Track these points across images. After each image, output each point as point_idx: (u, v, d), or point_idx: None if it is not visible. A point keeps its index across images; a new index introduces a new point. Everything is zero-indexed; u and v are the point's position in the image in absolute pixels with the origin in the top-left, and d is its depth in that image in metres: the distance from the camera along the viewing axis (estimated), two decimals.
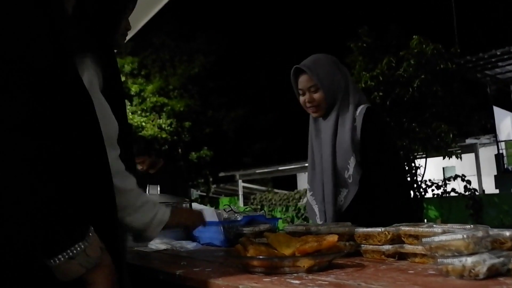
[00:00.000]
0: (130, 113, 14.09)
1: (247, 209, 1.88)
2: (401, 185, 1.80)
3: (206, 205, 10.48)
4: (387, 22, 8.43)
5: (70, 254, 0.75)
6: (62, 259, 0.74)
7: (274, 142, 17.82)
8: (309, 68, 1.83)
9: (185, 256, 1.45)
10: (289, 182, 16.03)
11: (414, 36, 7.20)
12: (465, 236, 0.81)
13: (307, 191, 1.96)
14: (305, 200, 11.39)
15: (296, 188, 14.40)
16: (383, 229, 1.12)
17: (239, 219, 1.72)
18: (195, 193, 16.93)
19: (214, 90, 16.41)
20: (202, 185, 16.07)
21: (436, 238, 0.86)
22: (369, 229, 1.15)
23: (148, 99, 14.98)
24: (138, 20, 3.19)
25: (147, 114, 14.80)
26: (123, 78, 14.58)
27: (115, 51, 1.37)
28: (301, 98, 1.89)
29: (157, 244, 1.72)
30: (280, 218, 1.80)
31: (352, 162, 1.75)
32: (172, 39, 16.36)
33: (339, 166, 1.78)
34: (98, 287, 0.80)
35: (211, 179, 16.06)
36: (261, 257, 0.95)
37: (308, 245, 0.97)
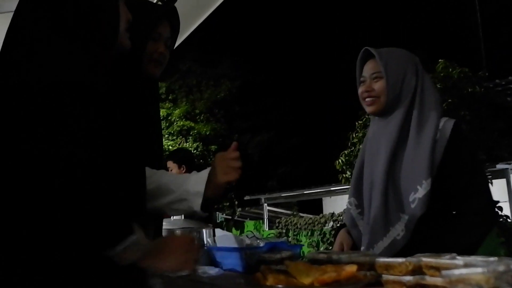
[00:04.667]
0: None
1: (270, 235, 1.87)
2: (489, 221, 1.50)
3: (231, 229, 10.50)
4: (412, 46, 8.43)
5: (125, 245, 0.94)
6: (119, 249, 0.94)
7: (299, 166, 17.77)
8: (379, 53, 1.59)
9: (207, 282, 1.47)
10: (315, 206, 15.87)
11: (439, 60, 7.16)
12: (485, 270, 0.81)
13: (350, 203, 1.71)
14: (330, 224, 11.23)
15: (322, 212, 14.24)
16: (404, 259, 1.11)
17: (261, 245, 1.73)
18: (220, 216, 16.94)
19: (240, 114, 16.60)
20: (228, 208, 16.07)
21: (456, 271, 0.85)
22: (390, 259, 1.14)
23: (175, 123, 15.25)
24: None
25: (174, 137, 15.03)
26: None
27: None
28: (360, 89, 1.64)
29: None
30: (303, 245, 1.77)
31: (426, 185, 1.44)
32: (199, 65, 16.70)
33: (402, 186, 1.50)
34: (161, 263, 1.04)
35: (236, 202, 16.06)
36: (279, 286, 0.96)
37: (326, 275, 0.97)
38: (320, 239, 11.61)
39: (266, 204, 15.89)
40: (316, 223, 11.95)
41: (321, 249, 11.59)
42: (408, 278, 1.09)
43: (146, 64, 1.43)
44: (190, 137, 15.10)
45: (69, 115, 0.91)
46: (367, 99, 1.61)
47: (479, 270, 0.81)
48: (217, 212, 16.49)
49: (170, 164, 3.90)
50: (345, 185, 10.20)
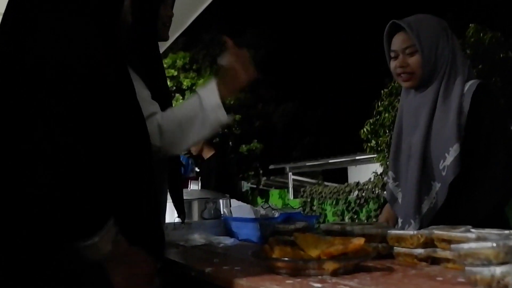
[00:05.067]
0: None
1: (296, 205, 1.84)
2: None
3: (256, 197, 10.56)
4: (442, 11, 8.08)
5: (85, 244, 0.86)
6: (81, 245, 0.86)
7: (323, 135, 17.66)
8: (409, 25, 1.52)
9: (220, 252, 1.48)
10: (340, 175, 15.80)
11: (470, 25, 6.88)
12: (495, 244, 0.77)
13: (388, 177, 1.70)
14: (355, 193, 11.21)
15: (347, 181, 14.18)
16: (415, 232, 1.09)
17: (276, 216, 1.73)
18: (246, 185, 17.12)
19: (264, 83, 16.47)
20: (253, 177, 16.20)
21: (465, 246, 0.82)
22: (402, 232, 1.12)
23: None
24: (188, 15, 3.28)
25: None
26: (175, 73, 15.03)
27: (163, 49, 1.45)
28: (392, 63, 1.58)
29: (196, 239, 1.76)
30: (318, 216, 1.75)
31: (454, 151, 1.43)
32: (223, 34, 16.55)
33: (432, 154, 1.49)
34: (114, 276, 0.91)
35: (261, 172, 16.16)
36: (285, 259, 0.96)
37: (333, 248, 0.96)
38: (345, 208, 11.61)
39: (291, 173, 15.94)
40: (341, 192, 11.92)
41: (346, 218, 11.60)
42: (420, 250, 1.07)
43: (160, 30, 1.46)
44: None
45: (59, 94, 0.87)
46: (402, 75, 1.56)
47: (489, 244, 0.78)
48: (242, 181, 16.68)
49: None
50: (370, 154, 10.12)
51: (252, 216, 1.74)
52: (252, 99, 16.04)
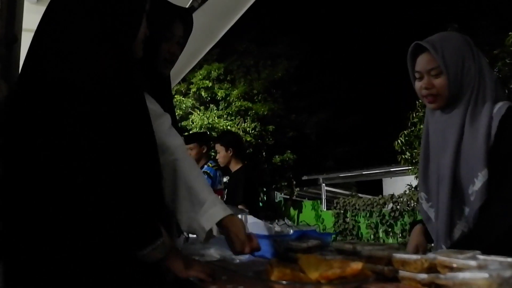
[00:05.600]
0: (216, 117, 14.67)
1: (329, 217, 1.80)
2: None
3: (289, 208, 10.55)
4: (479, 18, 7.86)
5: (154, 246, 1.04)
6: (148, 250, 1.03)
7: (357, 145, 17.41)
8: (433, 45, 1.48)
9: (232, 269, 1.50)
10: (374, 187, 15.54)
11: (510, 33, 6.66)
12: (488, 275, 0.76)
13: (421, 197, 1.65)
14: (390, 206, 10.94)
15: (381, 193, 13.92)
16: (420, 256, 1.07)
17: (290, 233, 1.74)
18: (279, 195, 17.08)
19: (297, 94, 16.45)
20: (286, 188, 16.16)
21: (460, 275, 0.81)
22: (406, 256, 1.11)
23: (233, 104, 15.44)
24: (221, 27, 3.36)
25: (233, 118, 15.25)
26: (210, 84, 15.25)
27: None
28: (417, 84, 1.55)
29: (212, 254, 1.79)
30: (333, 233, 1.74)
31: (482, 176, 1.40)
32: (256, 45, 16.69)
33: (462, 178, 1.45)
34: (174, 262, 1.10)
35: (294, 182, 16.10)
36: (283, 282, 0.97)
37: (331, 271, 0.96)
38: (379, 220, 11.40)
39: (324, 184, 15.79)
40: (375, 204, 11.72)
41: (380, 231, 11.37)
42: (423, 276, 1.05)
43: (159, 64, 1.47)
44: (248, 117, 15.24)
45: (92, 116, 0.98)
46: (428, 97, 1.52)
47: (483, 275, 0.77)
48: (275, 192, 16.64)
49: (217, 147, 3.95)
50: (404, 166, 9.89)
51: (266, 233, 1.75)
52: (285, 109, 16.05)
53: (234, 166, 3.99)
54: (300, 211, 14.87)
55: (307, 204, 14.99)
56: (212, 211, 1.30)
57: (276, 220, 1.82)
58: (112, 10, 1.10)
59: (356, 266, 0.96)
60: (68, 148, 0.94)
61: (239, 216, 2.01)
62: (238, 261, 1.71)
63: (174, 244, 1.14)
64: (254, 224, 1.82)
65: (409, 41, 1.59)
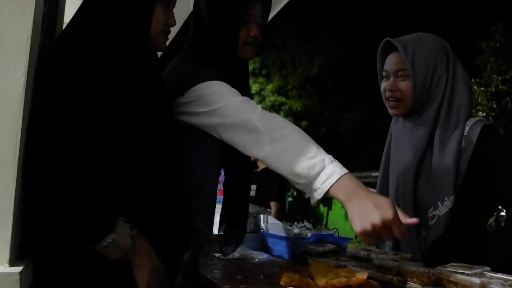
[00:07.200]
0: None
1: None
2: None
3: (319, 205, 10.46)
4: (493, 20, 7.54)
5: (104, 244, 0.97)
6: (99, 247, 0.97)
7: None
8: (405, 46, 1.38)
9: (249, 268, 1.55)
10: None
11: None
12: None
13: None
14: None
15: None
16: (427, 269, 1.10)
17: (308, 236, 1.78)
18: None
19: (332, 90, 16.30)
20: None
21: None
22: (415, 268, 1.14)
23: (267, 98, 15.48)
24: None
25: None
26: None
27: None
28: (383, 84, 1.46)
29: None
30: (351, 238, 1.75)
31: (448, 202, 1.31)
32: (293, 40, 16.63)
33: (424, 198, 1.36)
34: (139, 268, 1.02)
35: None
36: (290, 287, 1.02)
37: (336, 280, 1.00)
38: None
39: None
40: None
41: None
42: None
43: (241, 49, 1.41)
44: (282, 112, 15.25)
45: (78, 118, 0.99)
46: (390, 100, 1.44)
47: None
48: None
49: None
50: None
51: (284, 234, 1.80)
52: (320, 105, 15.96)
53: (262, 164, 4.03)
54: (329, 209, 14.78)
55: (337, 202, 14.83)
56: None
57: (296, 222, 1.87)
58: (120, 7, 1.09)
59: (362, 276, 1.00)
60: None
61: (262, 215, 2.07)
62: (257, 260, 1.77)
63: (149, 247, 1.04)
64: (273, 225, 1.87)
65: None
